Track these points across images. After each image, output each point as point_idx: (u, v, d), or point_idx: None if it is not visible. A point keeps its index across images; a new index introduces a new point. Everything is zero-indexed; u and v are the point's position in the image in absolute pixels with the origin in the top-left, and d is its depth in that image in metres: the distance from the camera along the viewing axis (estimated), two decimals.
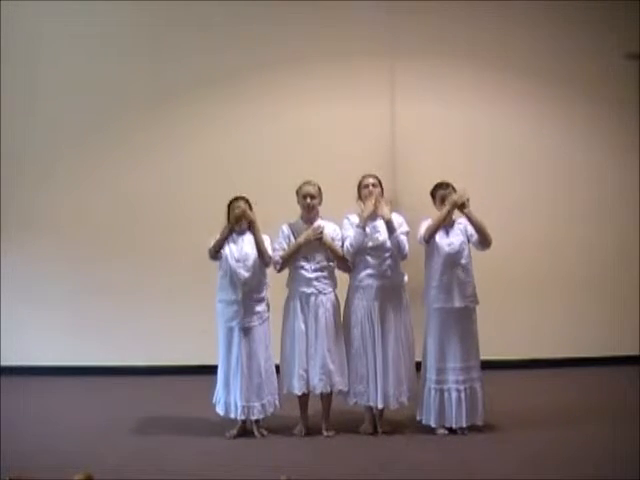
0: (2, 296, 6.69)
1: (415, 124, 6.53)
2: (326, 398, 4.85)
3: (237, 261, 4.78)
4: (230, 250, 4.81)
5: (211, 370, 6.54)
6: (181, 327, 6.56)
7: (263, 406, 4.79)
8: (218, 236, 4.80)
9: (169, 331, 6.59)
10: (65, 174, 6.72)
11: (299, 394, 4.80)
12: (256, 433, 4.82)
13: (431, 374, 4.76)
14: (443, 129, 6.54)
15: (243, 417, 4.78)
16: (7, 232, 6.68)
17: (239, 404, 4.75)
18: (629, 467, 4.01)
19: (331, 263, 4.85)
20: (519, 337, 6.48)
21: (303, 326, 4.78)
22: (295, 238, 4.83)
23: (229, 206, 4.88)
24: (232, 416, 4.80)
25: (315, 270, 4.79)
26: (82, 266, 6.68)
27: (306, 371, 4.76)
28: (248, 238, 4.85)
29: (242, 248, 4.81)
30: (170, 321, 6.59)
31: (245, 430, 4.83)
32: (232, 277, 4.78)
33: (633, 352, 6.47)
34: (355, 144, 6.48)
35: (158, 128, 6.69)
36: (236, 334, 4.78)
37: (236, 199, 4.87)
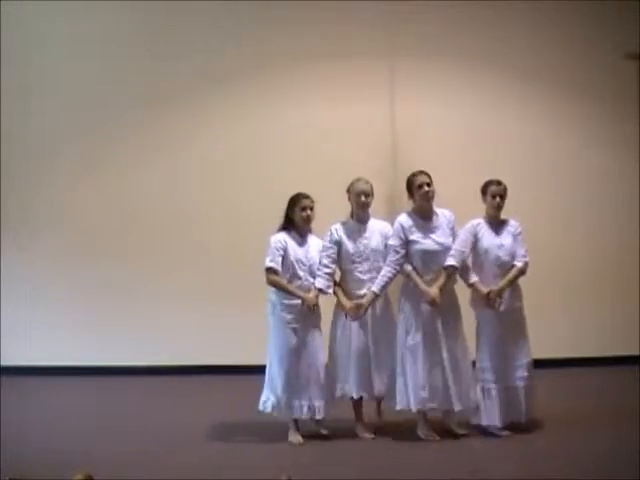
0: (2, 296, 6.69)
1: (415, 124, 6.53)
2: (360, 402, 4.76)
3: (303, 265, 4.68)
4: (295, 254, 4.68)
5: (211, 370, 6.56)
6: (181, 327, 6.56)
7: (327, 403, 4.69)
8: (283, 280, 4.63)
9: (169, 331, 6.59)
10: (65, 174, 6.73)
11: (356, 397, 4.70)
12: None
13: (486, 374, 4.66)
14: (443, 129, 6.55)
15: (319, 416, 4.66)
16: (7, 232, 6.69)
17: (304, 404, 4.65)
18: (629, 467, 4.01)
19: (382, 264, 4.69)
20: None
21: (349, 329, 4.67)
22: (346, 240, 4.71)
23: (293, 202, 4.72)
24: (297, 416, 4.68)
25: (368, 271, 4.67)
26: (82, 266, 6.68)
27: (360, 374, 4.65)
28: (313, 242, 4.77)
29: (308, 252, 4.71)
30: (170, 321, 6.59)
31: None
32: (297, 282, 4.66)
33: (633, 352, 6.47)
34: (355, 144, 6.48)
35: (158, 127, 6.69)
36: (298, 337, 4.64)
37: (304, 197, 4.71)
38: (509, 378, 4.66)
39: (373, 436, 4.70)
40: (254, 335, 6.49)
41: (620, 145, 6.63)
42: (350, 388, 4.66)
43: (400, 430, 4.81)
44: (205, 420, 5.15)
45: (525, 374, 4.68)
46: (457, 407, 4.60)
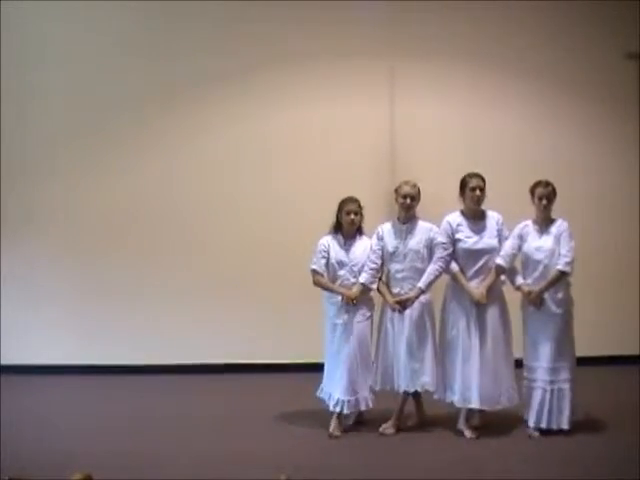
0: (2, 295, 6.69)
1: (415, 124, 6.53)
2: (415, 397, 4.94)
3: (344, 265, 4.86)
4: (336, 255, 4.88)
5: (211, 369, 6.56)
6: (181, 327, 6.57)
7: (357, 400, 4.81)
8: (325, 280, 4.87)
9: (169, 330, 6.59)
10: (65, 173, 6.72)
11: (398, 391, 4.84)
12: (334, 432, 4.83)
13: (527, 373, 4.73)
14: (443, 129, 6.55)
15: (346, 410, 4.79)
16: (7, 231, 6.68)
17: (337, 398, 4.78)
18: (628, 467, 4.01)
19: (422, 264, 4.81)
20: (520, 337, 6.47)
21: (389, 325, 4.84)
22: (387, 238, 4.86)
23: (340, 205, 4.89)
24: (331, 409, 4.81)
25: (402, 271, 4.82)
26: (82, 265, 6.69)
27: (388, 368, 4.82)
28: (361, 244, 4.92)
29: (352, 253, 4.88)
30: (170, 320, 6.59)
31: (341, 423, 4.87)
32: (337, 281, 4.86)
33: (633, 352, 6.47)
34: (354, 144, 6.49)
35: (158, 127, 6.69)
36: (339, 331, 4.82)
37: (351, 201, 4.87)
38: (539, 378, 4.66)
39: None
40: (254, 334, 6.54)
41: (620, 145, 6.63)
42: (375, 380, 4.87)
43: (403, 428, 4.84)
44: (205, 420, 5.16)
45: (556, 378, 4.66)
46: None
